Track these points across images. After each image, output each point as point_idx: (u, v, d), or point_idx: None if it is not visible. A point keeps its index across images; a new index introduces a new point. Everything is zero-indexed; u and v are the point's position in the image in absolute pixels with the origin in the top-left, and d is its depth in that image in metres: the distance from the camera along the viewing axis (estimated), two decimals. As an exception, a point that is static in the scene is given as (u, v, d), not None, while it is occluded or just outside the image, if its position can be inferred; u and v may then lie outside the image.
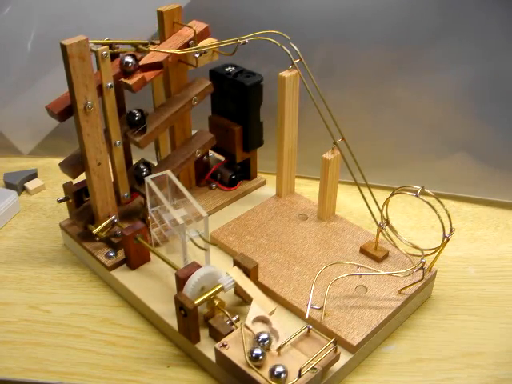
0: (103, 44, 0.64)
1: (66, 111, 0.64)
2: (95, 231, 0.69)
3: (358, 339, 0.58)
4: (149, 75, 0.66)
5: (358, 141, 0.71)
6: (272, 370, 0.52)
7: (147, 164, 0.73)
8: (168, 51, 0.66)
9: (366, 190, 0.68)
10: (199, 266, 0.61)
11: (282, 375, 0.52)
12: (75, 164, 0.68)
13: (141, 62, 0.66)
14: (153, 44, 0.69)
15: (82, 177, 0.69)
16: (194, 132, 0.77)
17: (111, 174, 0.69)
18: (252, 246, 0.70)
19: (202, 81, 0.73)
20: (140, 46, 0.68)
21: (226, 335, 0.57)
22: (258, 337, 0.54)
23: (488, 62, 0.76)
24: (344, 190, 0.83)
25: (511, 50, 0.75)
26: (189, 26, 0.68)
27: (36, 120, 0.91)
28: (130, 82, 0.64)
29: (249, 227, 0.74)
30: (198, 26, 0.69)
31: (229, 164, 0.82)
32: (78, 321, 0.66)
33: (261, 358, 0.53)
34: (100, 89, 0.64)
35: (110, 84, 0.65)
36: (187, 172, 0.79)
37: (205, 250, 0.65)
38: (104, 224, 0.70)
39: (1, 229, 0.81)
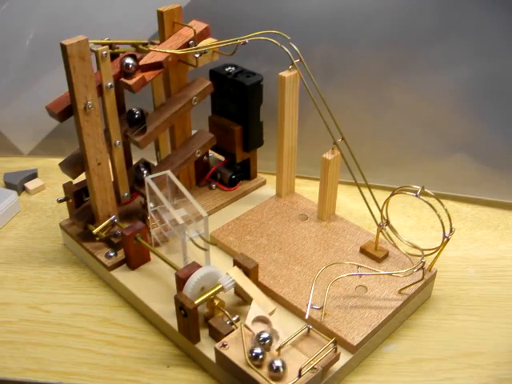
0: (103, 44, 0.64)
1: (66, 111, 0.64)
2: (95, 231, 0.69)
3: (358, 339, 0.58)
4: (149, 75, 0.66)
5: (358, 141, 0.71)
6: (270, 365, 0.53)
7: (147, 165, 0.73)
8: (168, 51, 0.66)
9: (366, 190, 0.68)
10: (199, 266, 0.61)
11: (281, 369, 0.52)
12: (75, 164, 0.68)
13: (141, 62, 0.66)
14: (153, 44, 0.69)
15: (82, 177, 0.69)
16: (194, 132, 0.77)
17: (111, 173, 0.70)
18: (252, 246, 0.70)
19: (202, 81, 0.72)
20: (140, 46, 0.68)
21: (226, 335, 0.57)
22: (259, 336, 0.54)
23: (488, 62, 0.76)
24: (344, 190, 0.83)
25: (510, 51, 0.75)
26: (189, 26, 0.68)
27: (36, 120, 0.91)
28: (130, 82, 0.64)
29: (249, 227, 0.74)
30: (198, 25, 0.69)
31: (229, 164, 0.82)
32: (77, 321, 0.66)
33: (261, 357, 0.53)
34: (100, 89, 0.64)
35: (110, 84, 0.65)
36: (187, 172, 0.79)
37: (205, 249, 0.65)
38: (104, 224, 0.70)
39: (1, 229, 0.81)
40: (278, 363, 0.53)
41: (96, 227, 0.69)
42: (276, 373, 0.53)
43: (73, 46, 0.58)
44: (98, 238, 0.70)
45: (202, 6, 0.80)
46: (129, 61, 0.65)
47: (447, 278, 0.70)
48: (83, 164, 0.66)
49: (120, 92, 0.70)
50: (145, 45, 0.68)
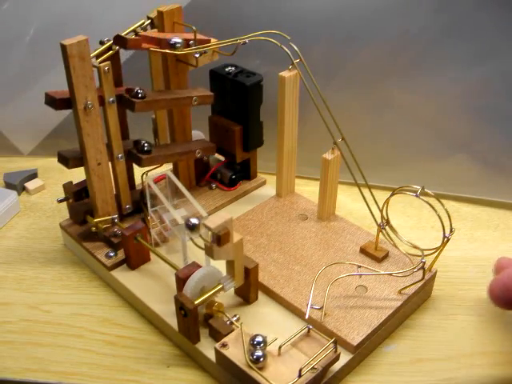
0: (103, 51, 0.64)
1: (66, 101, 0.63)
2: (94, 221, 0.69)
3: (358, 339, 0.58)
4: (145, 45, 0.65)
5: (357, 141, 0.71)
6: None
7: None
8: (168, 51, 0.66)
9: (366, 190, 0.68)
10: (199, 266, 0.61)
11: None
12: (73, 156, 0.67)
13: (142, 33, 0.66)
14: (149, 18, 0.69)
15: (82, 177, 0.69)
16: (194, 132, 0.77)
17: (113, 183, 0.70)
18: (252, 246, 0.70)
19: (204, 90, 0.73)
20: (138, 30, 0.68)
21: (226, 335, 0.57)
22: (253, 339, 0.54)
23: (489, 63, 0.76)
24: (344, 190, 0.83)
25: (511, 51, 0.75)
26: (189, 26, 0.68)
27: (36, 120, 0.91)
28: (127, 36, 0.64)
29: (249, 227, 0.74)
30: (200, 36, 0.68)
31: (229, 164, 0.82)
32: (77, 321, 0.66)
33: (262, 359, 0.53)
34: (101, 100, 0.64)
35: (112, 99, 0.65)
36: (187, 172, 0.79)
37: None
38: (104, 218, 0.69)
39: (1, 229, 0.81)
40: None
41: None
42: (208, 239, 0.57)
43: (73, 46, 0.58)
44: (94, 229, 0.69)
45: (202, 6, 0.80)
46: (177, 39, 0.65)
47: (447, 277, 0.70)
48: (81, 159, 0.66)
49: (122, 109, 0.70)
50: (143, 27, 0.69)
